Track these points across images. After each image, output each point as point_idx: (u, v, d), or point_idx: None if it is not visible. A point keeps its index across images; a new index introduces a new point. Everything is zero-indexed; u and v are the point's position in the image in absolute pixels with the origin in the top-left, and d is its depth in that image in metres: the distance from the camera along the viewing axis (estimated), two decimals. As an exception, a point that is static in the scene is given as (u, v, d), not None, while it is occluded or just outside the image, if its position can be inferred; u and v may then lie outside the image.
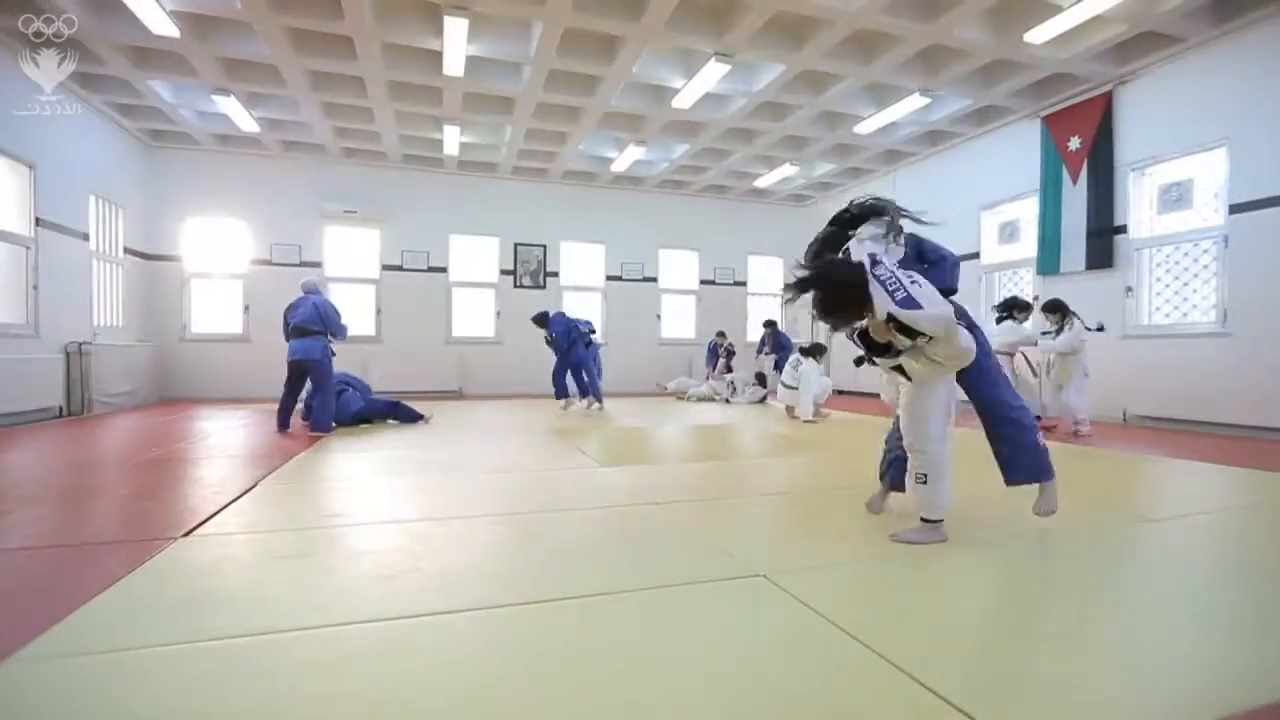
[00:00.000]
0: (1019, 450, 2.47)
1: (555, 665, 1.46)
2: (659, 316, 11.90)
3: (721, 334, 10.74)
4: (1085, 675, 1.41)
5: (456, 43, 6.20)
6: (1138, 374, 6.62)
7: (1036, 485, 2.52)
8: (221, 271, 9.73)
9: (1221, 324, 6.06)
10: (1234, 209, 5.94)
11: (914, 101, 7.49)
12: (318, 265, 9.94)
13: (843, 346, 10.69)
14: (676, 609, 1.79)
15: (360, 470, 3.91)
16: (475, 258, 10.88)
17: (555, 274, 11.25)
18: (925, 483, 2.38)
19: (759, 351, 10.24)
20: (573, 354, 7.89)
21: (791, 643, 1.59)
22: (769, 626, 1.68)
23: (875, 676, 1.40)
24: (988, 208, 8.70)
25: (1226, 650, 1.59)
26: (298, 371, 5.61)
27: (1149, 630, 1.67)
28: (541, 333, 8.13)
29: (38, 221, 6.65)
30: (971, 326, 2.29)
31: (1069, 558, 2.32)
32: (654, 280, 11.87)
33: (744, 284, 12.52)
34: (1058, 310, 5.87)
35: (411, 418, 6.30)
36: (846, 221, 2.41)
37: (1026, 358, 6.37)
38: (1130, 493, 3.53)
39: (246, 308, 9.72)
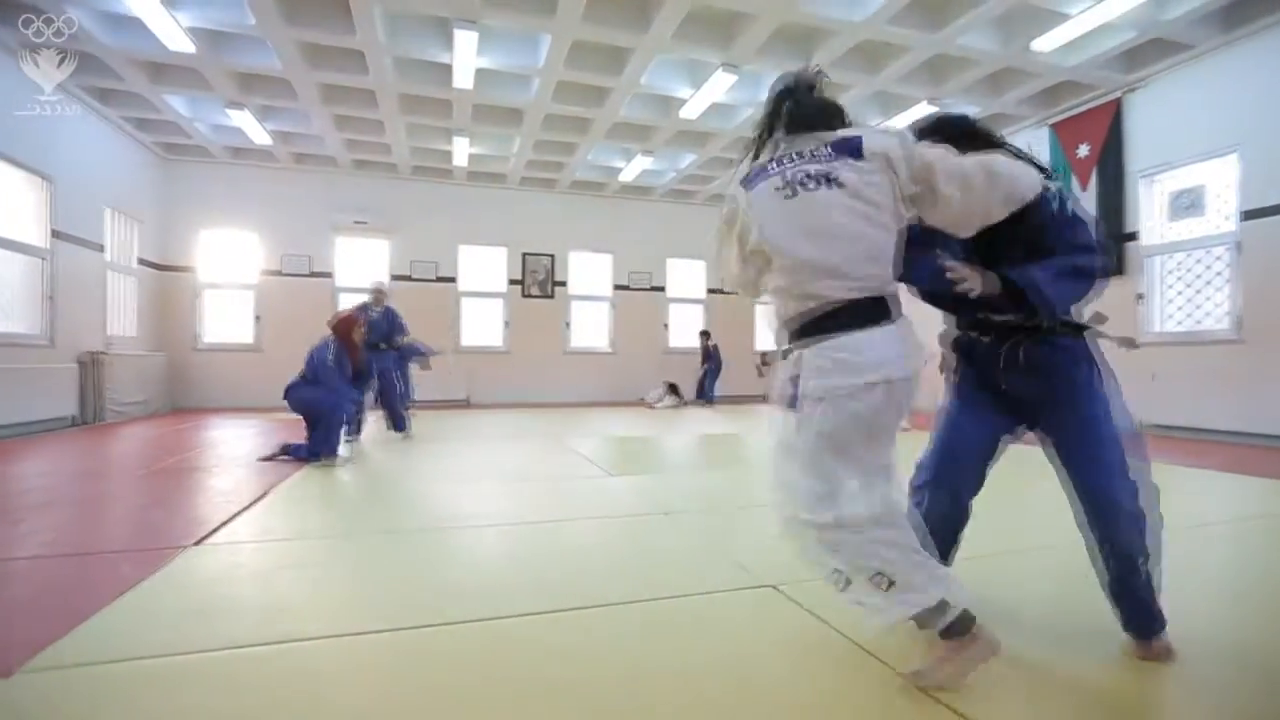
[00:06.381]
0: None
1: (566, 677, 1.45)
2: (666, 325, 11.91)
3: (705, 333, 11.42)
4: (1104, 687, 1.39)
5: (466, 55, 6.27)
6: (1150, 382, 6.55)
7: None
8: (233, 282, 9.83)
9: (1236, 331, 5.99)
10: (1246, 215, 5.89)
11: (921, 110, 7.50)
12: (328, 276, 10.02)
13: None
14: (688, 620, 1.78)
15: (369, 480, 3.92)
16: (484, 267, 10.94)
17: (563, 283, 11.29)
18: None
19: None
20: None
21: (803, 655, 1.57)
22: (780, 638, 1.67)
23: (888, 689, 1.38)
24: (996, 215, 8.65)
25: (1243, 663, 1.56)
26: None
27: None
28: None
29: (54, 233, 6.75)
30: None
31: (1083, 572, 2.29)
32: (661, 289, 11.89)
33: (752, 293, 12.55)
34: None
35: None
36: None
37: None
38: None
39: (258, 318, 9.80)
